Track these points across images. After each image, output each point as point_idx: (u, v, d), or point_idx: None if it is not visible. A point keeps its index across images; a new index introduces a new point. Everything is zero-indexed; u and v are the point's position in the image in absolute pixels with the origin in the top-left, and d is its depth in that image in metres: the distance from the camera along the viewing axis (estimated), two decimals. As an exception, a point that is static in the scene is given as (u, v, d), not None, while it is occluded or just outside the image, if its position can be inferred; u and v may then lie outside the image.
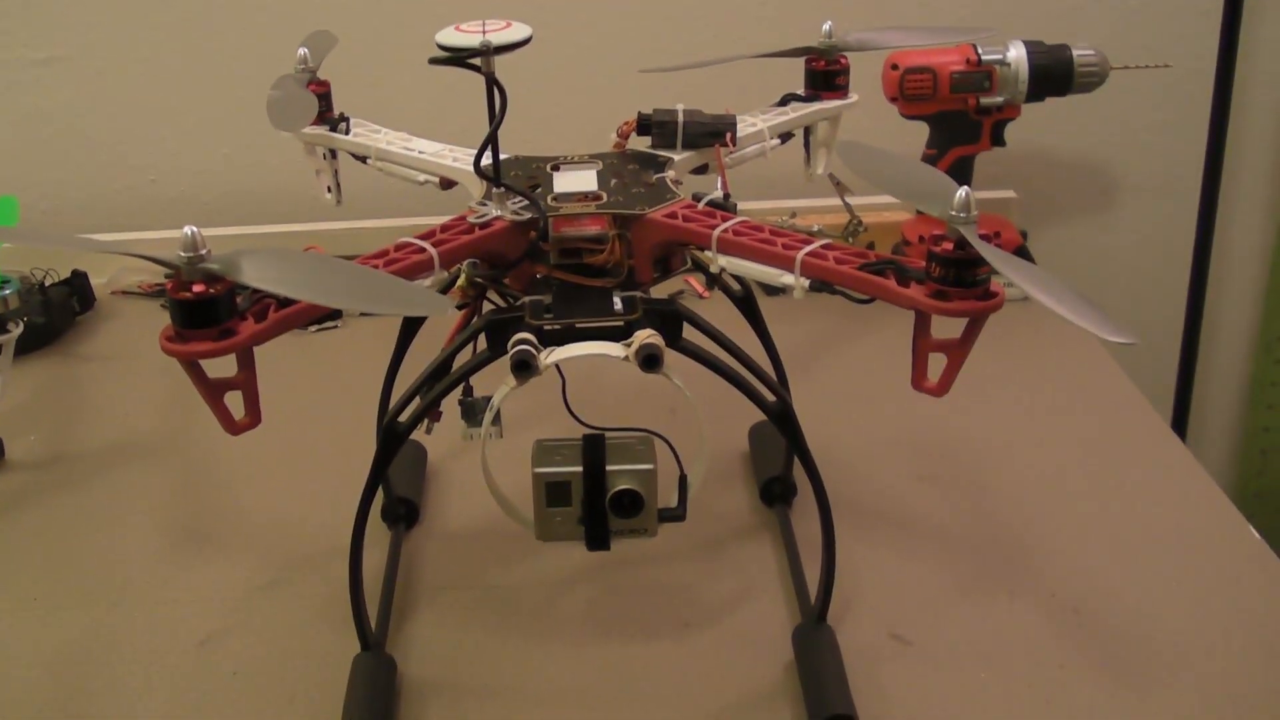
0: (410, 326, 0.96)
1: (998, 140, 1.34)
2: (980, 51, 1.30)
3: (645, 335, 0.75)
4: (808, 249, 0.75)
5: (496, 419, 0.84)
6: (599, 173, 0.89)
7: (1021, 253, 1.37)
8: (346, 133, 0.99)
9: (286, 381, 1.18)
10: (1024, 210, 1.52)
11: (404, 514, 1.03)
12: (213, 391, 0.71)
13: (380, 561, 0.98)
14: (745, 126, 0.96)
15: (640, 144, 0.94)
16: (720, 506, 1.05)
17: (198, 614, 0.95)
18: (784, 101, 1.01)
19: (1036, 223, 1.56)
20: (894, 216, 1.45)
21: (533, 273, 0.83)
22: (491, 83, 0.78)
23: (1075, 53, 1.30)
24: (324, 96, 1.00)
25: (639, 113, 0.93)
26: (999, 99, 1.31)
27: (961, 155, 1.34)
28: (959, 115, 1.32)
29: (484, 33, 0.77)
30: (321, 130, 0.99)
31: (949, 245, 0.69)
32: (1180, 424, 1.68)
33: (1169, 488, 1.07)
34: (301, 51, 0.99)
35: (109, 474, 1.14)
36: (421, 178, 0.95)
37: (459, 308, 0.86)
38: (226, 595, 0.97)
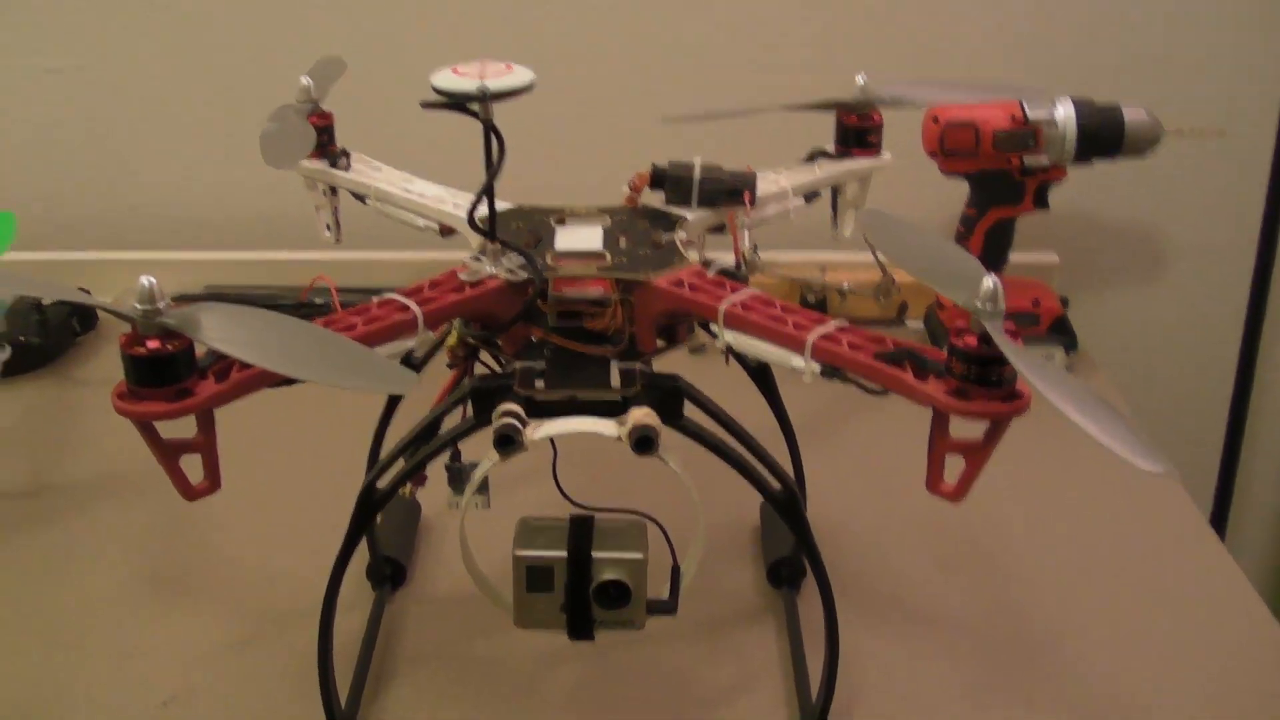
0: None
1: (1041, 203, 1.27)
2: (1026, 109, 1.23)
3: (641, 415, 0.69)
4: (820, 331, 0.69)
5: (484, 488, 0.79)
6: (605, 230, 0.83)
7: (1062, 323, 1.30)
8: (346, 169, 0.94)
9: (277, 425, 1.12)
10: (1066, 275, 1.45)
11: (389, 575, 0.98)
12: (167, 455, 0.66)
13: (360, 624, 0.93)
14: (768, 184, 0.90)
15: (654, 198, 0.88)
16: (724, 585, 0.98)
17: (163, 670, 0.90)
18: (812, 158, 0.95)
19: (1079, 289, 1.49)
20: (929, 275, 1.39)
21: (527, 334, 0.78)
22: (489, 130, 0.73)
23: (1127, 113, 1.24)
24: (326, 129, 0.95)
25: (653, 165, 0.87)
26: (1044, 160, 1.24)
27: (1002, 217, 1.27)
28: (1001, 175, 1.25)
29: (482, 76, 0.72)
30: (320, 165, 0.94)
31: (972, 340, 0.63)
32: (1222, 513, 1.60)
33: (1204, 592, 0.99)
34: (305, 81, 0.94)
35: (88, 509, 1.09)
36: (421, 223, 0.89)
37: (449, 366, 0.81)
38: (196, 651, 0.92)
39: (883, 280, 1.32)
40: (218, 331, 0.62)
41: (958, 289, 0.65)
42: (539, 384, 0.73)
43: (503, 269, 0.76)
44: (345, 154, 0.95)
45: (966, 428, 0.65)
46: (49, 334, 1.31)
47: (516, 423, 0.69)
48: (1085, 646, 0.92)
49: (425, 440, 0.78)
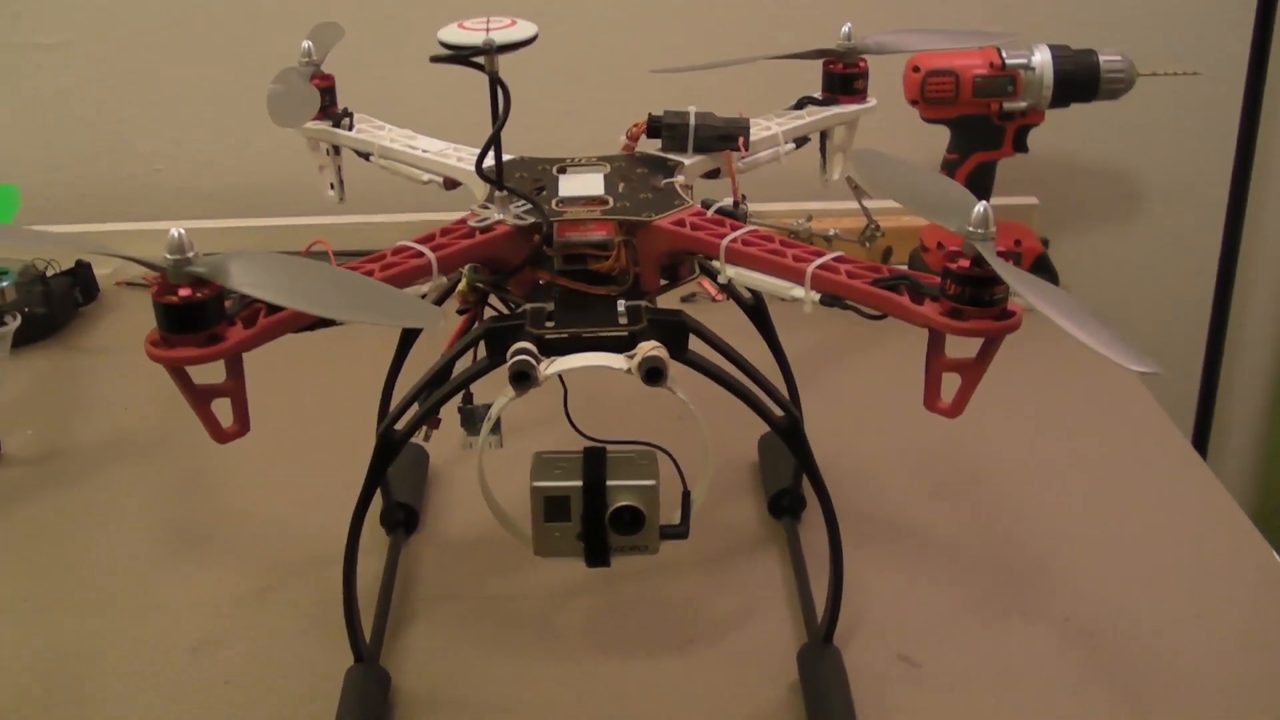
0: (408, 337, 0.93)
1: (1020, 146, 1.31)
2: (1005, 55, 1.27)
3: (649, 347, 0.72)
4: (819, 262, 0.73)
5: (496, 428, 0.81)
6: (606, 176, 0.86)
7: (1043, 262, 1.34)
8: (350, 129, 0.96)
9: (287, 379, 1.15)
10: (1046, 217, 1.49)
11: (403, 520, 1.01)
12: (199, 398, 0.69)
13: (378, 569, 0.96)
14: (759, 130, 0.93)
15: (650, 147, 0.91)
16: (728, 518, 1.02)
17: (190, 619, 0.93)
18: (800, 105, 0.98)
19: (1059, 230, 1.53)
20: (913, 221, 1.42)
21: (535, 279, 0.81)
22: (495, 82, 0.76)
23: (1102, 58, 1.27)
24: (328, 91, 0.97)
25: (649, 114, 0.90)
26: (1023, 104, 1.28)
27: (983, 161, 1.31)
28: (981, 120, 1.29)
29: (488, 30, 0.75)
30: (324, 125, 0.97)
31: (965, 262, 0.66)
32: (1202, 437, 1.65)
33: (1189, 508, 1.04)
34: (306, 44, 0.97)
35: (105, 472, 1.11)
36: (425, 177, 0.92)
37: (460, 313, 0.84)
38: (220, 600, 0.95)
39: (868, 226, 1.35)
40: (247, 277, 0.64)
41: (950, 217, 0.69)
42: (549, 324, 0.76)
43: (510, 215, 0.79)
44: (348, 114, 0.98)
45: (961, 348, 0.69)
46: (53, 305, 1.34)
47: (530, 359, 0.72)
48: (1075, 563, 0.96)
49: (439, 384, 0.81)
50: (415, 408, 0.80)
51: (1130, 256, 1.59)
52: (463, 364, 0.81)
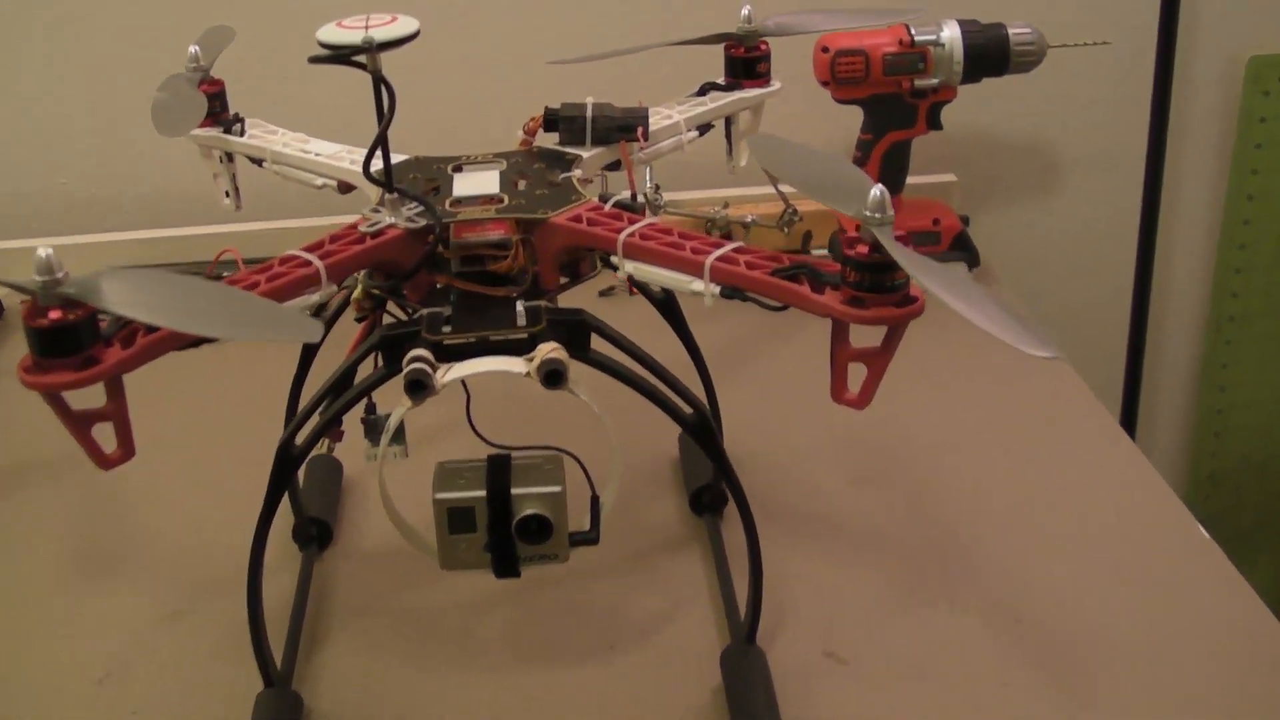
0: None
1: (934, 124, 1.29)
2: (913, 32, 1.25)
3: (547, 350, 0.70)
4: (717, 254, 0.71)
5: (400, 437, 0.79)
6: (502, 173, 0.84)
7: (962, 239, 1.33)
8: (241, 134, 0.93)
9: (190, 393, 1.13)
10: (965, 194, 1.48)
11: (316, 535, 0.98)
12: (79, 424, 0.66)
13: (290, 586, 0.93)
14: (660, 119, 0.91)
15: (549, 141, 0.89)
16: (648, 517, 1.00)
17: (97, 647, 0.90)
18: (703, 91, 0.96)
19: (978, 206, 1.52)
20: (831, 204, 1.41)
21: (432, 282, 0.78)
22: (378, 82, 0.73)
23: (1011, 31, 1.26)
24: (217, 96, 0.94)
25: (545, 108, 0.88)
26: (934, 81, 1.26)
27: (897, 140, 1.29)
28: (893, 99, 1.27)
29: (367, 28, 0.72)
30: (214, 132, 0.93)
31: (864, 249, 0.65)
32: (1131, 407, 1.65)
33: (1115, 486, 1.03)
34: (192, 49, 0.94)
35: (8, 496, 1.08)
36: (319, 182, 0.89)
37: (358, 320, 0.81)
38: (128, 626, 0.92)
39: (785, 211, 1.34)
40: (119, 296, 0.62)
41: (847, 201, 0.67)
42: (446, 329, 0.74)
43: (402, 218, 0.76)
44: (239, 119, 0.95)
45: (866, 337, 0.67)
46: (-47, 327, 1.30)
47: (426, 367, 0.69)
48: (1001, 547, 0.95)
49: (339, 393, 0.79)
50: (316, 419, 0.78)
51: (1051, 230, 1.58)
52: (366, 371, 0.78)
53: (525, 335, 0.73)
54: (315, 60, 0.71)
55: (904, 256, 0.62)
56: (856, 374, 0.69)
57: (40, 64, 1.43)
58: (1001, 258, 1.46)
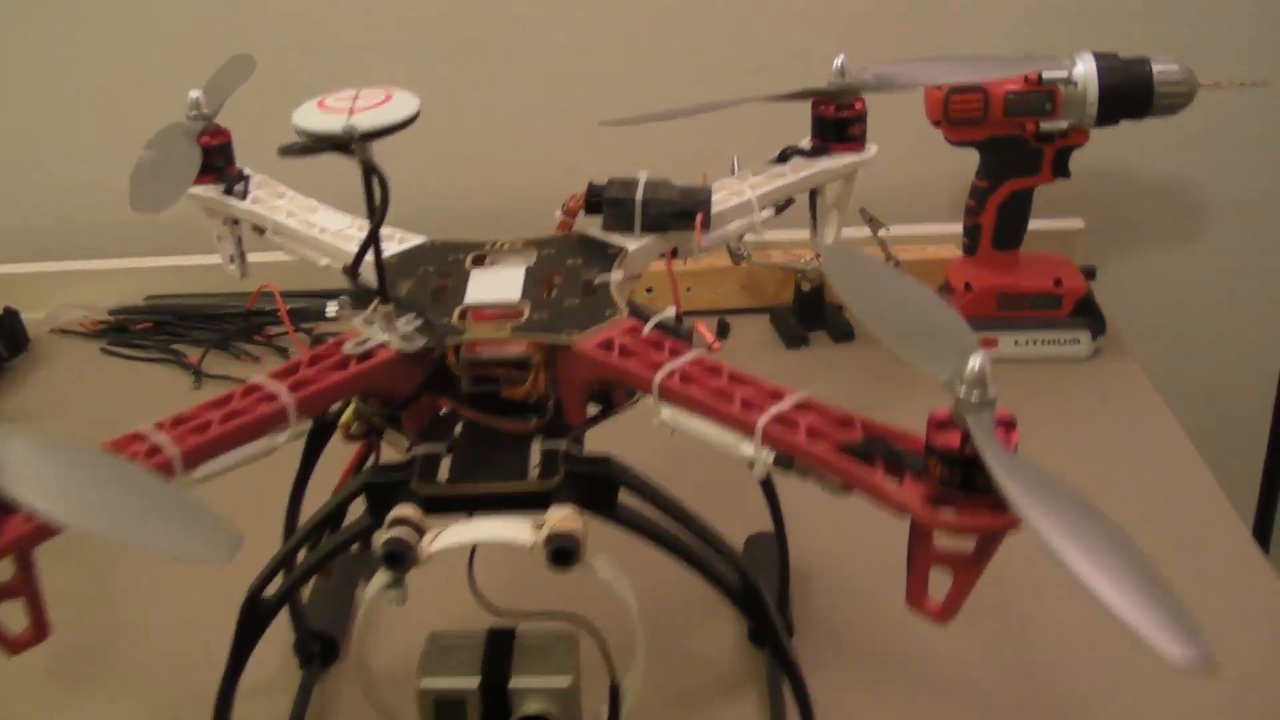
0: (318, 437, 0.77)
1: (1061, 171, 1.13)
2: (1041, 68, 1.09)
3: (560, 518, 0.57)
4: (773, 412, 0.56)
5: (398, 581, 0.66)
6: (530, 270, 0.70)
7: (1087, 305, 1.16)
8: (244, 195, 0.81)
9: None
10: (1093, 240, 1.30)
11: (319, 651, 0.86)
12: (-23, 602, 0.54)
13: (285, 708, 0.82)
14: (728, 196, 0.76)
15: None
16: (699, 646, 0.86)
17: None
18: (783, 157, 0.81)
19: (1107, 255, 1.34)
20: (939, 252, 1.26)
21: (435, 407, 0.65)
22: (369, 172, 0.59)
23: (1156, 69, 1.09)
24: (221, 149, 0.82)
25: (589, 185, 0.74)
26: (1063, 124, 1.10)
27: (1018, 189, 1.13)
28: (1015, 142, 1.11)
29: (352, 111, 0.58)
30: (214, 192, 0.81)
31: (954, 439, 0.50)
32: (1266, 517, 1.44)
33: (1252, 621, 0.87)
34: (193, 95, 0.81)
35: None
36: (324, 261, 0.76)
37: (350, 439, 0.69)
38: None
39: (886, 261, 1.19)
40: (10, 470, 0.49)
41: (939, 361, 0.52)
42: (444, 475, 0.61)
43: (397, 335, 0.63)
44: (244, 177, 0.82)
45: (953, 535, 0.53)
46: (-32, 360, 1.20)
47: (406, 540, 0.56)
48: (1120, 700, 0.80)
49: (325, 531, 0.66)
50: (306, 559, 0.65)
51: (1190, 280, 1.39)
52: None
53: (538, 489, 0.60)
54: (287, 153, 0.58)
55: (1007, 470, 0.47)
56: (942, 575, 0.54)
57: (43, 88, 1.33)
58: (1133, 312, 1.29)
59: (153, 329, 1.29)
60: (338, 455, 0.70)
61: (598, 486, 0.61)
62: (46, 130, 1.35)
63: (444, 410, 0.66)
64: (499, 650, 0.61)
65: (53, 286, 1.30)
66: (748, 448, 0.57)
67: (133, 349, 1.26)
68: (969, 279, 1.16)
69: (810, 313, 1.22)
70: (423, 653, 0.62)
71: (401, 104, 0.60)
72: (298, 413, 0.60)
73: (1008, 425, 0.51)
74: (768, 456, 0.56)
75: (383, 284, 0.63)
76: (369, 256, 0.63)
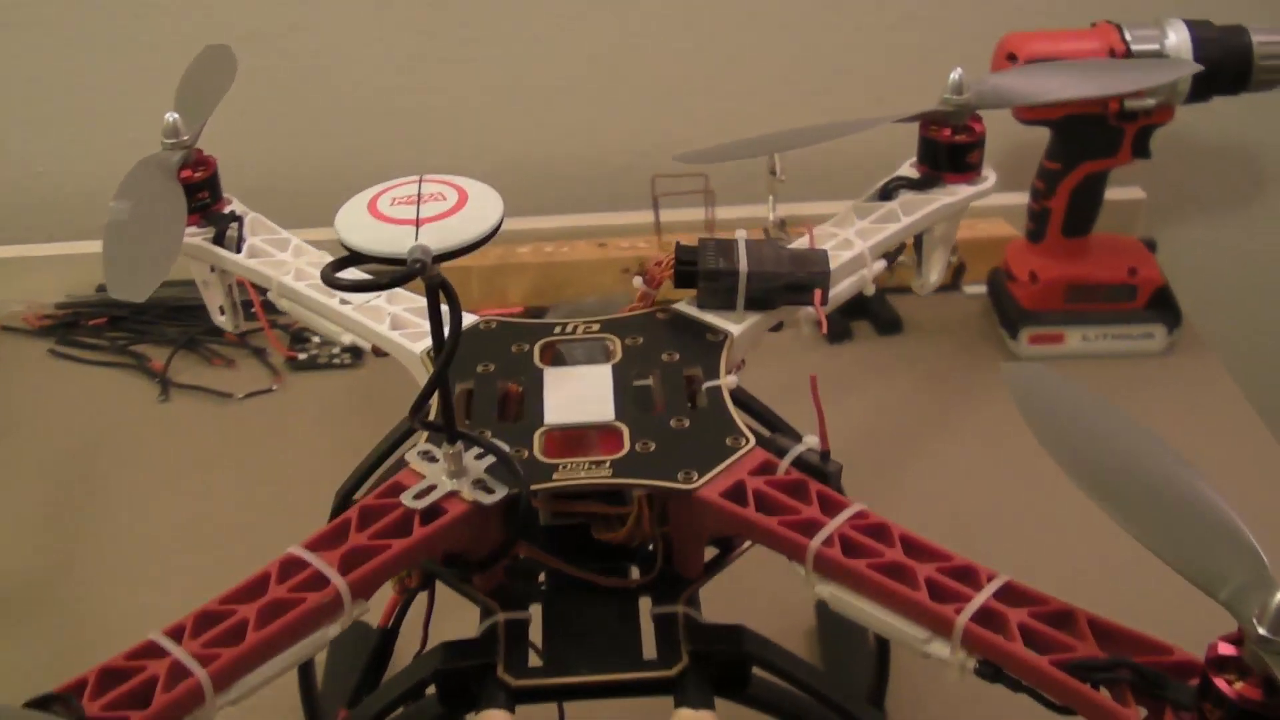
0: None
1: (1141, 151, 1.00)
2: (1128, 37, 0.96)
3: (688, 723, 0.45)
4: (976, 604, 0.44)
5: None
6: (616, 368, 0.56)
7: (1163, 295, 1.05)
8: (237, 242, 0.66)
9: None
10: (1152, 210, 1.18)
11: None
12: None
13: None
14: (836, 251, 0.63)
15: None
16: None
17: None
18: (887, 194, 0.68)
19: (1166, 224, 1.22)
20: (991, 230, 1.13)
21: (510, 555, 0.52)
22: (436, 289, 0.46)
23: (1256, 39, 0.96)
24: (208, 183, 0.67)
25: (678, 245, 0.60)
26: (1150, 101, 0.97)
27: (1093, 171, 1.01)
28: (1094, 121, 0.98)
29: (418, 222, 0.44)
30: (199, 239, 0.67)
31: (1252, 687, 0.38)
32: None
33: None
34: (169, 118, 0.66)
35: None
36: (347, 339, 0.62)
37: (406, 593, 0.56)
38: None
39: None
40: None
41: (1215, 574, 0.40)
42: (532, 657, 0.49)
43: (468, 482, 0.49)
44: (236, 218, 0.67)
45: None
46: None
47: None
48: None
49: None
50: None
51: (1254, 252, 1.28)
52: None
53: (658, 677, 0.48)
54: (338, 286, 0.44)
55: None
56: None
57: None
58: (1195, 289, 1.17)
59: (108, 325, 1.13)
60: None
61: (729, 671, 0.49)
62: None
63: (522, 555, 0.53)
64: None
65: (11, 270, 1.14)
66: (941, 647, 0.45)
67: (86, 350, 1.11)
68: (1035, 268, 1.04)
69: (852, 301, 1.09)
70: None
71: (479, 207, 0.46)
72: (352, 596, 0.47)
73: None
74: (969, 661, 0.44)
75: (450, 423, 0.49)
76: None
